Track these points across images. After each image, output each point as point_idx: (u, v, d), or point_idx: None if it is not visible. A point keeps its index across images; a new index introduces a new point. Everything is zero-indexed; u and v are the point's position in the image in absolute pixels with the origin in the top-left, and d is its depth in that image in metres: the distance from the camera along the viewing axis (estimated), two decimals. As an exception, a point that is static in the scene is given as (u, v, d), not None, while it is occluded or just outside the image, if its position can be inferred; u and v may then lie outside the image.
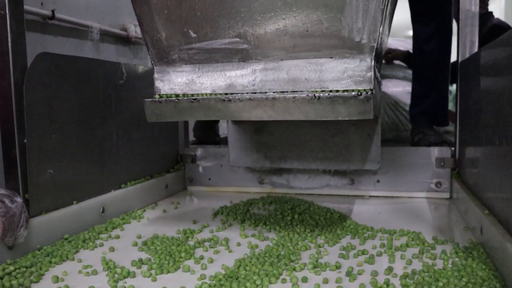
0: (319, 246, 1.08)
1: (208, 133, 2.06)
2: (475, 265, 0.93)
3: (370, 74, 0.95)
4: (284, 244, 1.08)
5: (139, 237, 1.19)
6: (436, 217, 1.35)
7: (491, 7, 2.61)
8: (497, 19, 2.56)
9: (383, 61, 2.52)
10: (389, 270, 0.92)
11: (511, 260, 0.81)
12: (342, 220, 1.28)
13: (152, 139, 1.61)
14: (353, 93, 0.93)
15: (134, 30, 2.27)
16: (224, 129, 2.15)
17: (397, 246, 1.06)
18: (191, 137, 2.03)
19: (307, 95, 0.95)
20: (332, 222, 1.26)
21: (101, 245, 1.13)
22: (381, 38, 1.01)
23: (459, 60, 1.49)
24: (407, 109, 1.97)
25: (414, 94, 1.82)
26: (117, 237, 1.19)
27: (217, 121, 2.16)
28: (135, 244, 1.13)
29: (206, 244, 1.12)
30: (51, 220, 1.12)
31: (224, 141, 1.86)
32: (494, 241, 0.93)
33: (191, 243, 1.13)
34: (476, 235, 1.11)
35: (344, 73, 0.97)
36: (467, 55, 1.46)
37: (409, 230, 1.17)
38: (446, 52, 1.74)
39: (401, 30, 5.12)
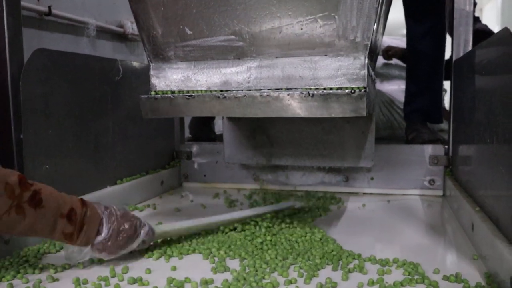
0: (290, 282, 0.85)
1: (203, 129, 2.07)
2: None
3: (364, 72, 0.97)
4: (247, 279, 0.86)
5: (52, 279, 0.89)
6: (430, 216, 1.37)
7: (488, 7, 2.62)
8: (481, 24, 2.57)
9: (386, 60, 2.53)
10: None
11: (501, 257, 0.82)
12: (324, 243, 1.06)
13: (147, 136, 1.62)
14: (347, 90, 0.94)
15: (131, 26, 2.27)
16: (219, 126, 2.16)
17: (389, 284, 0.84)
18: (187, 134, 2.04)
19: (301, 93, 0.96)
20: (311, 247, 1.04)
21: None
22: (375, 36, 1.02)
23: (453, 59, 1.51)
24: (402, 107, 1.99)
25: (408, 92, 1.83)
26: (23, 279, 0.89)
27: (213, 118, 2.17)
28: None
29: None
30: (47, 215, 1.13)
31: (219, 138, 1.87)
32: (484, 238, 0.95)
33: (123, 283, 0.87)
34: (468, 233, 1.12)
35: (338, 71, 0.98)
36: (461, 54, 1.47)
37: (405, 261, 0.94)
38: (440, 50, 1.74)
39: (397, 29, 5.12)
